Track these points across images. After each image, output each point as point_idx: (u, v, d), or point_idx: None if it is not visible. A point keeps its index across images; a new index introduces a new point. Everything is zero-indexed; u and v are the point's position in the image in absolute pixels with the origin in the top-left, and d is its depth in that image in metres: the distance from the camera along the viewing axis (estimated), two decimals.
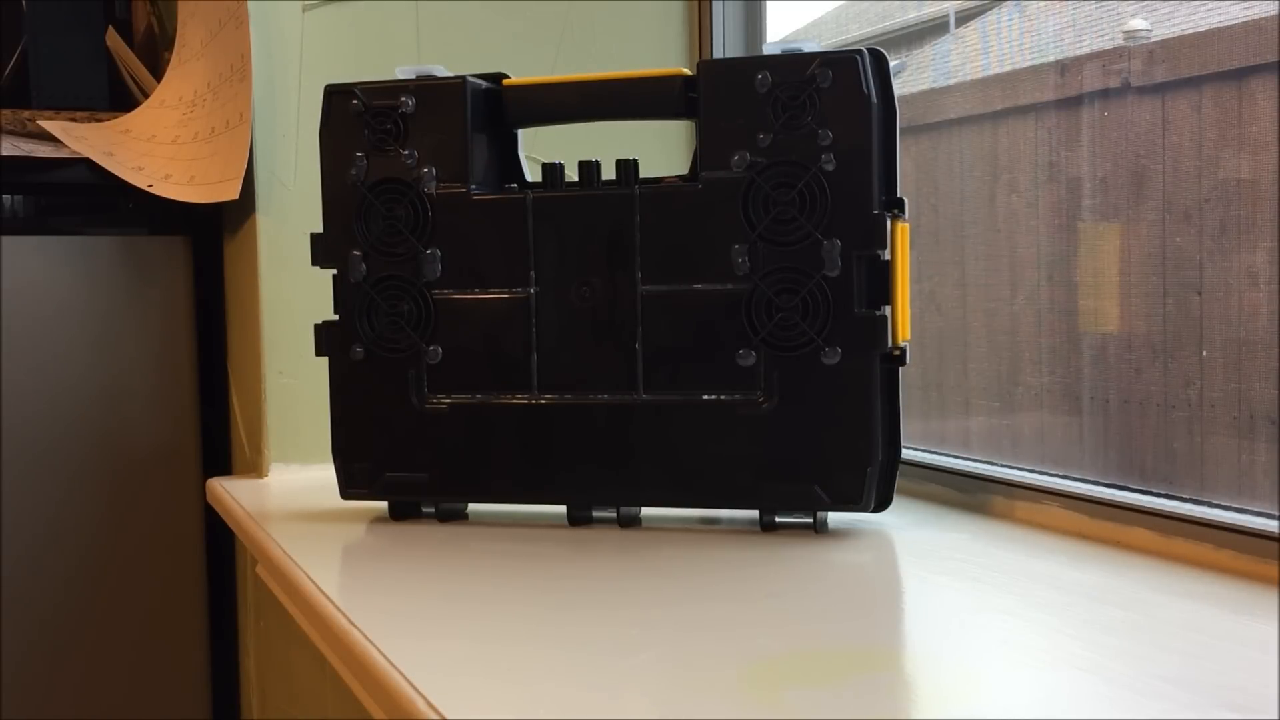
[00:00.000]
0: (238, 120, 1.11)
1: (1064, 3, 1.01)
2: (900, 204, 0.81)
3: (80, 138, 1.24)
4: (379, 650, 0.60)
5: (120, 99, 1.46)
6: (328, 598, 0.70)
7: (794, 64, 0.79)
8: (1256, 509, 0.71)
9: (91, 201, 1.29)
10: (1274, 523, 0.68)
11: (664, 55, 1.21)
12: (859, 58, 0.78)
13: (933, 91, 1.23)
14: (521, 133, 0.91)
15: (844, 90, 0.78)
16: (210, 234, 1.27)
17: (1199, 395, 0.86)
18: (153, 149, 1.23)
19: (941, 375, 1.09)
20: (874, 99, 0.78)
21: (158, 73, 1.49)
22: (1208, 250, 0.84)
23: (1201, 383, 0.85)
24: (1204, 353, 0.85)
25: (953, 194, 1.08)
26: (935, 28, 1.36)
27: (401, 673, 0.56)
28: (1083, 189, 0.93)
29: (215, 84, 1.18)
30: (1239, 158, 0.82)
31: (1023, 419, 1.00)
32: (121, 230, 1.25)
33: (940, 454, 0.95)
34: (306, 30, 1.12)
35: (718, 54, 1.18)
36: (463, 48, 1.17)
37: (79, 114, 1.34)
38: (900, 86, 0.82)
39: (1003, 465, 0.90)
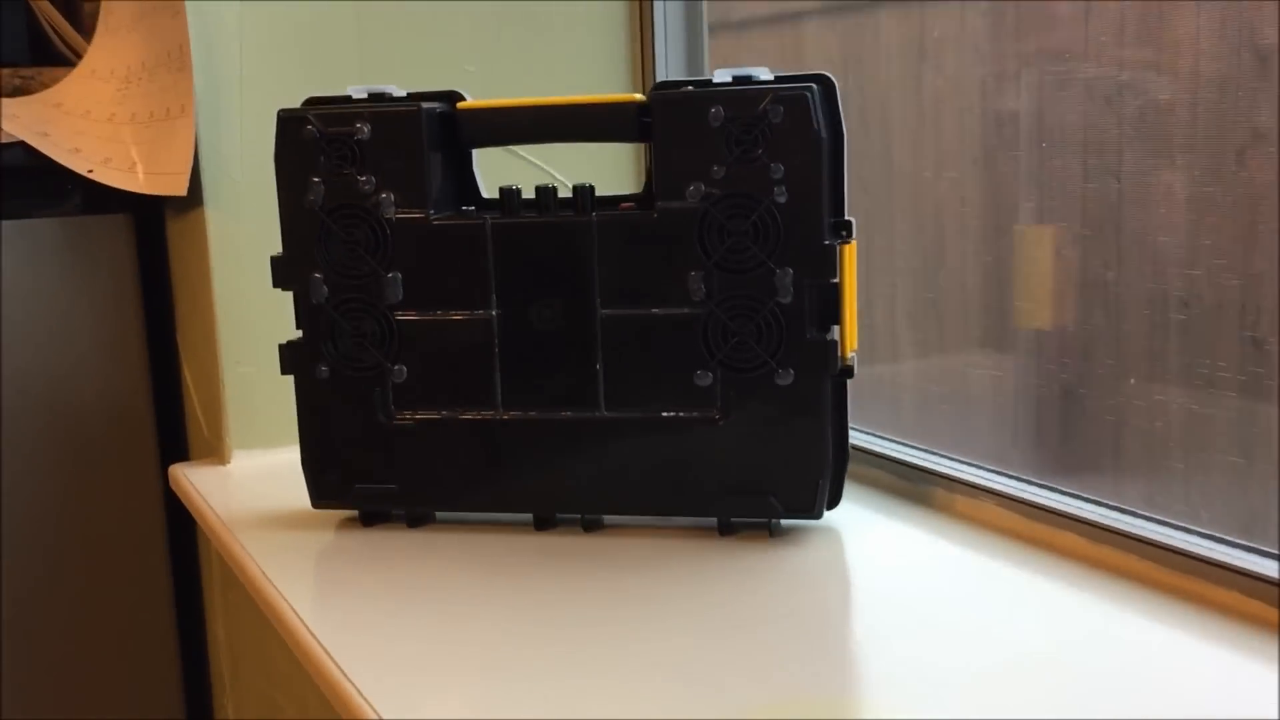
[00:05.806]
0: (179, 112, 1.10)
1: None
2: (848, 226, 0.84)
3: (13, 116, 1.22)
4: (342, 672, 0.64)
5: (42, 53, 1.43)
6: (303, 622, 0.74)
7: (746, 99, 0.81)
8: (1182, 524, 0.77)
9: (29, 185, 1.28)
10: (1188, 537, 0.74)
11: (608, 53, 1.21)
12: (809, 94, 0.80)
13: None
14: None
15: (794, 125, 0.80)
16: (152, 211, 1.26)
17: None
18: (88, 127, 1.21)
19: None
20: (823, 134, 0.80)
21: (78, 24, 1.45)
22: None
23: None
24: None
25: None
26: None
27: (360, 692, 0.61)
28: None
29: (151, 65, 1.16)
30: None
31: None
32: (62, 211, 1.24)
33: (885, 439, 1.00)
34: (245, 17, 1.10)
35: (659, 52, 1.17)
36: (404, 37, 1.16)
37: (2, 70, 1.31)
38: None
39: (944, 456, 0.95)
